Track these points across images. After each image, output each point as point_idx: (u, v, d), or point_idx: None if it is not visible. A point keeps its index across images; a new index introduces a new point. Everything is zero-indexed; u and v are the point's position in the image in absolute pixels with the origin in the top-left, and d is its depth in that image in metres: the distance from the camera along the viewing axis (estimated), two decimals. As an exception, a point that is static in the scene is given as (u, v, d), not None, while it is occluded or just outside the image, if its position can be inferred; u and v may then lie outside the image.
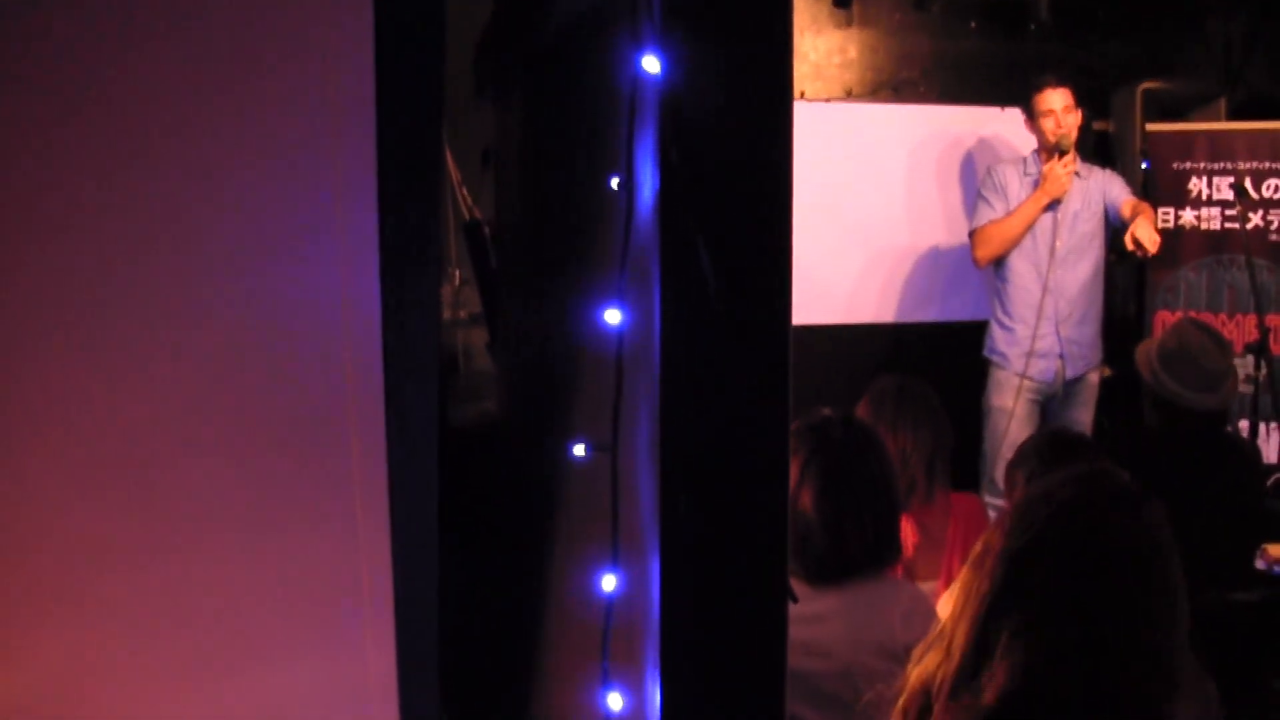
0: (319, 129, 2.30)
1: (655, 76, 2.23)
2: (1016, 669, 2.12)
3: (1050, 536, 2.17)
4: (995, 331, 6.47)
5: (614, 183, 2.35)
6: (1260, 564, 4.67)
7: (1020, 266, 6.32)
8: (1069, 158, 6.17)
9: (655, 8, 2.22)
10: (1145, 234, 6.07)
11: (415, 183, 2.40)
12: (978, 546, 2.26)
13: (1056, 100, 6.18)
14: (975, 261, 6.47)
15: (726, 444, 2.30)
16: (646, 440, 2.33)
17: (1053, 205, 6.19)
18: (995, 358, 6.44)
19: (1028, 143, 6.48)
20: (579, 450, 2.46)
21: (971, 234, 6.47)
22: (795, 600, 2.43)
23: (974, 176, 6.97)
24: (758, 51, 2.27)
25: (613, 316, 2.34)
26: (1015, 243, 6.28)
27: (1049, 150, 6.20)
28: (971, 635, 2.19)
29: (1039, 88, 6.23)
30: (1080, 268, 6.31)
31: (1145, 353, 4.88)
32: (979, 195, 6.47)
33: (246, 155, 2.29)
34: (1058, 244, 6.21)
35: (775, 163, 2.29)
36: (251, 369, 2.33)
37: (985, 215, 6.39)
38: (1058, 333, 6.29)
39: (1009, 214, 6.30)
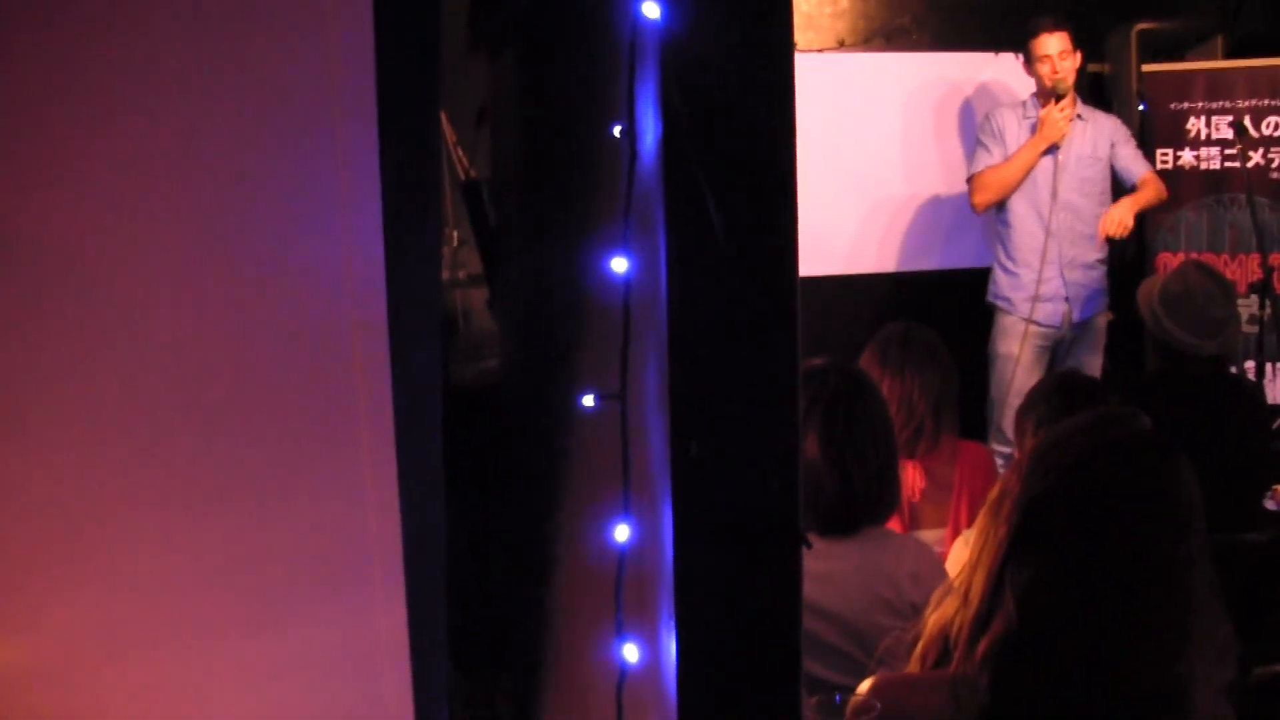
0: (320, 96, 2.29)
1: (655, 22, 2.21)
2: (1030, 613, 2.12)
3: (1067, 482, 2.17)
4: (999, 276, 6.46)
5: (615, 131, 2.33)
6: (1270, 504, 4.67)
7: (1022, 210, 6.31)
8: (1066, 102, 6.17)
9: (653, -48, 2.21)
10: (1116, 213, 6.12)
11: (414, 138, 2.39)
12: (994, 492, 2.26)
13: (1053, 44, 6.16)
14: (973, 207, 6.47)
15: (736, 389, 2.29)
16: (655, 389, 2.32)
17: (1051, 150, 6.18)
18: (1000, 303, 6.43)
19: (1025, 86, 6.47)
20: (588, 400, 2.45)
21: (969, 179, 6.47)
22: (809, 546, 2.42)
23: (971, 123, 6.96)
24: (757, -8, 2.26)
25: (619, 264, 2.32)
26: (1013, 188, 6.28)
27: (1046, 95, 6.20)
28: (989, 582, 2.19)
29: (1034, 32, 6.20)
30: (1084, 210, 6.31)
31: (1147, 295, 4.87)
32: (977, 141, 6.47)
33: (248, 124, 2.28)
34: (1059, 187, 6.20)
35: (778, 105, 2.27)
36: (258, 333, 2.32)
37: (983, 161, 6.38)
38: (1062, 275, 6.28)
39: (1007, 159, 6.28)
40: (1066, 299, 6.35)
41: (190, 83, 2.24)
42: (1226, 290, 4.95)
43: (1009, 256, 6.41)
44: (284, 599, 2.38)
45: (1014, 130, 6.38)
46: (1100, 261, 6.42)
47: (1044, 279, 6.26)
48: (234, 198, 2.28)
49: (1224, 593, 4.02)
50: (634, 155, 2.28)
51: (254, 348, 2.32)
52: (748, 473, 2.31)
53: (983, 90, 7.08)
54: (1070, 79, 6.20)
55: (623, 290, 2.32)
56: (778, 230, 2.28)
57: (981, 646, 2.19)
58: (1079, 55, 6.25)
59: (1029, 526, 2.17)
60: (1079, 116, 6.32)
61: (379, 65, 2.27)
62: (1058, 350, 6.46)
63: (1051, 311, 6.33)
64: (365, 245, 2.31)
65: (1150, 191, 6.44)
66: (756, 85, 2.26)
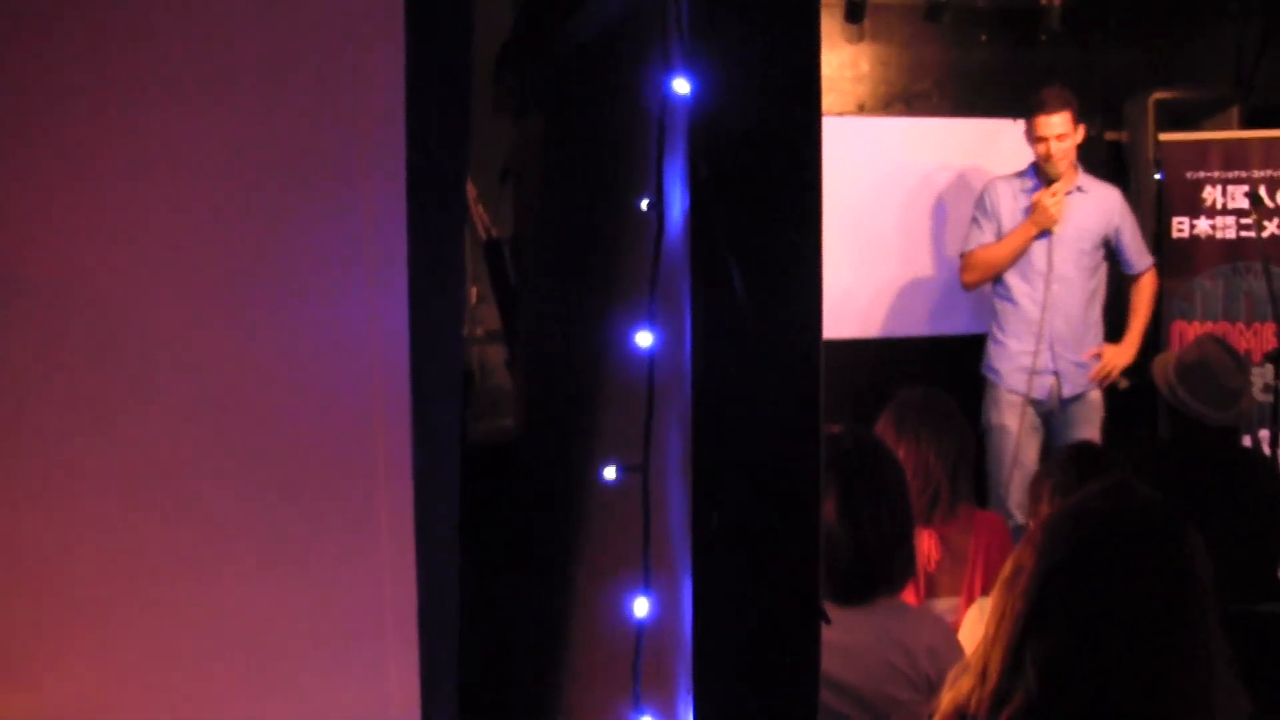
0: (349, 152, 2.30)
1: (684, 98, 2.23)
2: (1052, 684, 2.11)
3: (1082, 554, 2.17)
4: (991, 348, 6.46)
5: (644, 204, 2.34)
6: (1287, 574, 4.66)
7: (1015, 284, 6.30)
8: (1059, 185, 6.13)
9: (685, 26, 2.22)
10: (1113, 363, 6.34)
11: (441, 196, 2.40)
12: (1008, 566, 2.25)
13: (1051, 126, 6.12)
14: (963, 285, 6.51)
15: (759, 463, 2.30)
16: (677, 461, 2.32)
17: (1044, 234, 6.17)
18: (991, 375, 6.43)
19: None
20: (610, 472, 2.45)
21: (961, 256, 6.47)
22: (829, 621, 2.42)
23: (989, 189, 6.96)
24: (787, 71, 2.27)
25: (644, 339, 2.33)
26: (1002, 269, 6.28)
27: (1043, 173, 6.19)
28: (1007, 656, 2.18)
29: (1036, 109, 6.15)
30: (1077, 284, 6.30)
31: (1163, 366, 4.90)
32: (972, 216, 6.45)
33: (278, 180, 2.29)
34: (1054, 262, 6.18)
35: (805, 182, 2.29)
36: (280, 388, 2.33)
37: (975, 239, 6.38)
38: (1052, 350, 6.26)
39: (1000, 239, 6.29)
40: (1055, 373, 6.31)
41: (222, 142, 2.26)
42: (1240, 363, 4.96)
43: (1000, 328, 6.39)
44: (297, 657, 2.38)
45: (1009, 205, 6.34)
46: (1096, 337, 6.42)
47: (1034, 352, 6.25)
48: (262, 255, 2.29)
49: (1239, 665, 4.00)
50: (661, 229, 2.29)
51: (277, 404, 2.33)
52: (769, 546, 2.31)
53: (999, 156, 7.08)
54: (1068, 160, 6.16)
55: (648, 363, 2.33)
56: (803, 306, 2.29)
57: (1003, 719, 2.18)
58: (1081, 129, 6.21)
59: (1047, 599, 2.16)
60: (1079, 189, 6.29)
61: (409, 126, 2.29)
62: (1050, 423, 6.43)
63: (1039, 385, 6.29)
64: (390, 302, 2.32)
65: (1146, 310, 6.54)
66: (784, 161, 2.27)
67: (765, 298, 2.24)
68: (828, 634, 2.75)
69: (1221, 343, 5.07)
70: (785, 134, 2.28)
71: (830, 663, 2.80)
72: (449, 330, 2.47)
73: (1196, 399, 4.71)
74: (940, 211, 7.24)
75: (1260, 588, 4.45)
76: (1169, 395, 4.78)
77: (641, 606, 2.39)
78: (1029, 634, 2.16)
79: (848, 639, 3.08)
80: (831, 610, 2.96)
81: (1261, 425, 6.51)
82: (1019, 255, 6.22)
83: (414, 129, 2.29)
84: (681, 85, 2.21)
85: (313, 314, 2.32)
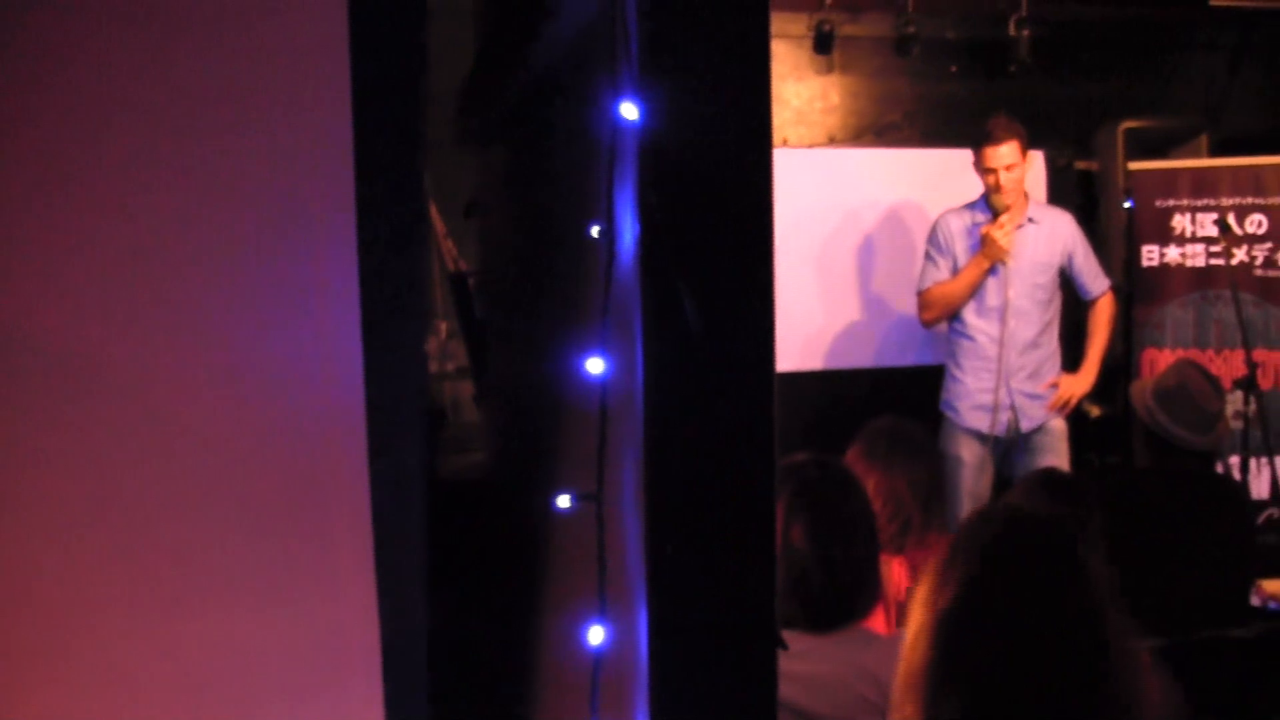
0: (298, 182, 2.30)
1: (634, 123, 2.22)
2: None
3: (979, 586, 2.18)
4: (948, 384, 6.41)
5: (594, 231, 2.33)
6: (1255, 600, 4.66)
7: (970, 319, 6.26)
8: (1006, 217, 6.07)
9: (633, 55, 2.22)
10: (1071, 390, 6.32)
11: (396, 233, 2.40)
12: (917, 603, 2.27)
13: (999, 157, 6.06)
14: (922, 323, 6.46)
15: (713, 490, 2.29)
16: (631, 489, 2.31)
17: (996, 268, 6.14)
18: (948, 411, 6.39)
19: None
20: (564, 501, 2.44)
21: (918, 295, 6.40)
22: (786, 648, 2.41)
23: (960, 219, 6.97)
24: (737, 96, 2.27)
25: (595, 366, 2.32)
26: (960, 304, 6.22)
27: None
28: (923, 683, 2.20)
29: (982, 141, 6.10)
30: (1032, 316, 6.25)
31: (1141, 390, 4.91)
32: (925, 253, 6.40)
33: (225, 210, 2.29)
34: (1010, 295, 6.14)
35: (756, 207, 2.28)
36: (234, 426, 2.32)
37: (930, 276, 6.32)
38: (1008, 385, 6.22)
39: (954, 275, 6.24)
40: (1012, 407, 6.27)
41: (171, 177, 2.25)
42: (1217, 387, 4.98)
43: (957, 364, 6.35)
44: (257, 701, 2.36)
45: (961, 239, 6.30)
46: (1053, 369, 6.37)
47: (989, 388, 6.22)
48: (212, 294, 2.28)
49: (1209, 688, 4.01)
50: (612, 256, 2.29)
51: (227, 442, 2.32)
52: (724, 573, 2.30)
53: (970, 187, 7.08)
54: (1017, 191, 6.11)
55: (600, 391, 2.32)
56: (755, 332, 2.28)
57: None
58: (1028, 160, 6.16)
59: (945, 643, 2.18)
60: (1030, 220, 6.24)
61: (358, 152, 2.28)
62: (1010, 456, 6.39)
63: (995, 421, 6.24)
64: (342, 335, 2.31)
65: (1103, 335, 6.51)
66: (735, 187, 2.26)
67: (717, 325, 2.23)
68: (796, 664, 2.74)
69: (1199, 367, 5.09)
70: (736, 161, 2.27)
71: (799, 693, 2.79)
72: (409, 369, 2.46)
73: (1176, 423, 4.72)
74: (910, 240, 7.23)
75: (1233, 613, 4.45)
76: (1147, 419, 4.79)
77: (597, 635, 2.38)
78: (935, 674, 2.17)
79: (817, 669, 3.08)
80: (801, 639, 2.97)
81: (1232, 452, 6.52)
82: (974, 290, 6.17)
83: (363, 164, 2.29)
84: (630, 111, 2.21)
85: (264, 354, 2.31)
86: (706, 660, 2.31)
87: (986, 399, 6.22)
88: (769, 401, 2.30)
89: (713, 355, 2.23)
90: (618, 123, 2.25)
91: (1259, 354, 6.61)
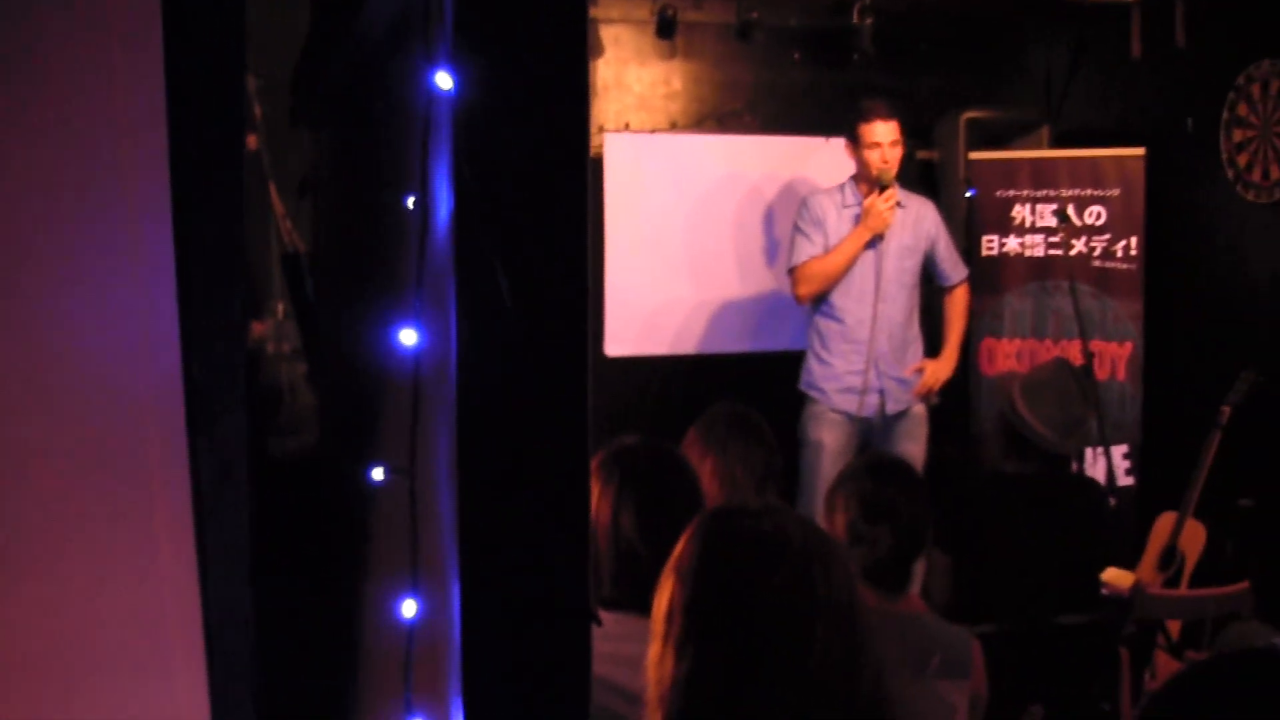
0: (111, 152, 2.25)
1: (449, 93, 2.21)
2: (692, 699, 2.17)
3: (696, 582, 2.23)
4: (812, 365, 6.42)
5: (410, 201, 2.32)
6: (1105, 590, 4.73)
7: (840, 301, 6.29)
8: (890, 192, 6.13)
9: (447, 23, 2.20)
10: (936, 376, 6.44)
11: (213, 204, 2.36)
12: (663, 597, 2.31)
13: (884, 133, 6.11)
14: (797, 299, 6.41)
15: (525, 465, 2.28)
16: (446, 463, 2.30)
17: (874, 241, 6.18)
18: (812, 392, 6.40)
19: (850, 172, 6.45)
20: (378, 474, 2.42)
21: (791, 271, 6.39)
22: (599, 624, 2.41)
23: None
24: (553, 68, 2.26)
25: (408, 337, 2.31)
26: (838, 279, 6.23)
27: (870, 182, 6.18)
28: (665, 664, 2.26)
29: (866, 117, 6.13)
30: (900, 301, 6.32)
31: (1009, 384, 4.95)
32: (796, 229, 6.39)
33: (33, 175, 2.23)
34: (881, 278, 6.21)
35: (571, 180, 2.27)
36: (44, 397, 2.27)
37: (805, 251, 6.31)
38: (877, 367, 6.27)
39: (829, 249, 6.25)
40: (880, 391, 6.32)
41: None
42: (1088, 393, 5.05)
43: (824, 346, 6.37)
44: (78, 680, 2.32)
45: (833, 217, 6.32)
46: (917, 352, 6.46)
47: (858, 371, 6.27)
48: (25, 257, 2.23)
49: (1042, 672, 4.07)
50: (425, 226, 2.27)
51: (39, 412, 2.27)
52: (536, 550, 2.29)
53: (810, 175, 7.14)
54: (894, 169, 6.16)
55: (413, 363, 2.31)
56: (568, 306, 2.28)
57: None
58: (904, 144, 6.24)
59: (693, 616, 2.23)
60: (899, 204, 6.27)
61: (171, 122, 2.24)
62: (870, 439, 6.42)
63: (863, 403, 6.28)
64: (158, 310, 2.27)
65: (962, 323, 6.63)
66: (549, 159, 2.26)
67: (530, 298, 2.23)
68: (625, 646, 2.74)
69: (1073, 369, 5.15)
70: (552, 134, 2.26)
71: (626, 675, 2.79)
72: (231, 339, 2.43)
73: (1039, 421, 4.76)
74: (754, 228, 7.29)
75: (1081, 603, 4.51)
76: (1010, 414, 4.83)
77: (409, 609, 2.36)
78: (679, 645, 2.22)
79: (639, 649, 3.08)
80: (629, 621, 2.96)
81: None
82: (852, 264, 6.19)
83: (179, 122, 2.25)
84: (444, 80, 2.19)
85: (78, 323, 2.26)
86: (519, 635, 2.30)
87: (855, 381, 6.26)
88: (582, 377, 2.29)
89: (525, 329, 2.22)
90: (433, 92, 2.23)
91: (1095, 344, 6.72)
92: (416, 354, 2.31)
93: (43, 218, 2.24)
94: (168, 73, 2.24)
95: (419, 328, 2.31)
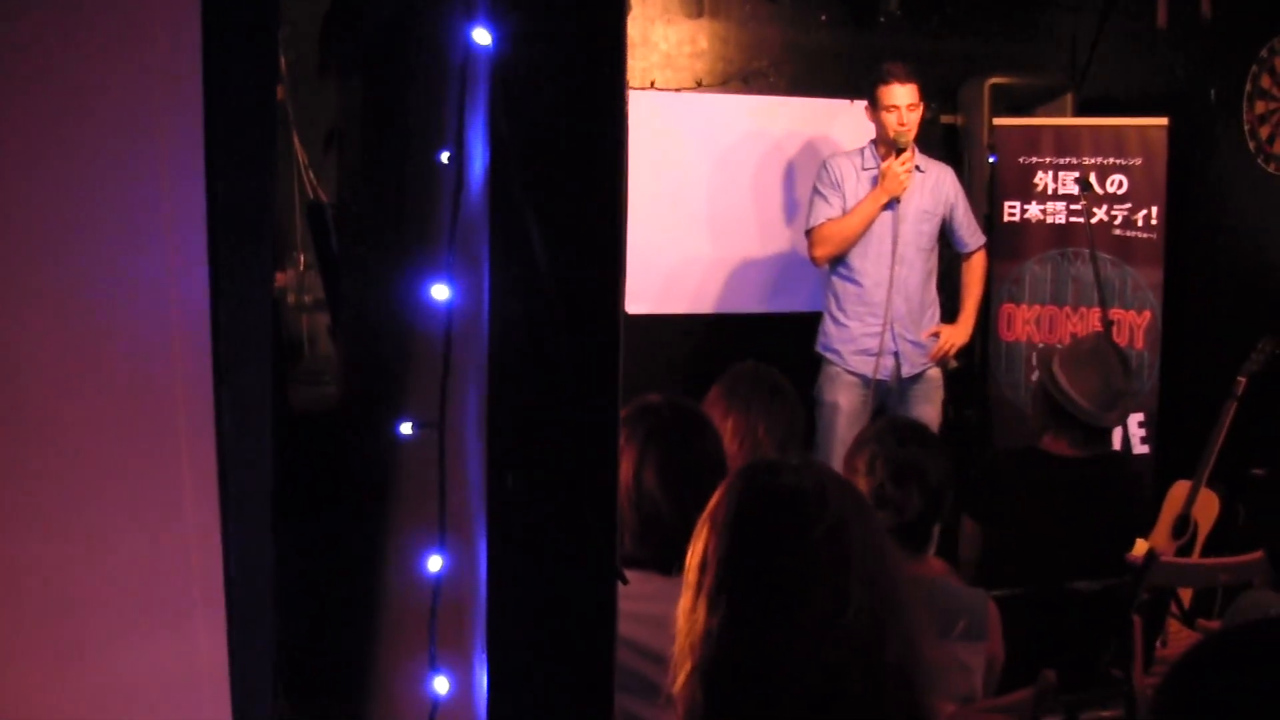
0: (145, 104, 2.25)
1: (487, 49, 2.20)
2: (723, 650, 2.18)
3: (729, 533, 2.25)
4: (829, 327, 6.46)
5: (444, 157, 2.32)
6: (1130, 558, 4.73)
7: (857, 264, 6.31)
8: (907, 155, 6.15)
9: (486, -25, 2.20)
10: (951, 340, 6.46)
11: (245, 158, 2.36)
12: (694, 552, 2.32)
13: (902, 96, 6.13)
14: (814, 260, 6.45)
15: (555, 422, 2.28)
16: (475, 419, 2.30)
17: (891, 204, 6.20)
18: (829, 354, 6.44)
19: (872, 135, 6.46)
20: (406, 429, 2.43)
21: (809, 232, 6.42)
22: (625, 582, 2.42)
23: (822, 168, 7.00)
24: (591, 25, 2.26)
25: (440, 292, 2.31)
26: (854, 241, 6.27)
27: (888, 144, 6.19)
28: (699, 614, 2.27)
29: (885, 80, 6.16)
30: (917, 264, 6.34)
31: (1047, 357, 4.94)
32: (815, 191, 6.42)
33: (68, 130, 2.23)
34: (898, 242, 6.22)
35: (607, 138, 2.27)
36: (75, 347, 2.27)
37: (823, 213, 6.34)
38: (893, 330, 6.29)
39: (847, 212, 6.28)
40: (895, 354, 6.35)
41: (12, 93, 2.19)
42: (1128, 367, 5.04)
43: (840, 308, 6.40)
44: (99, 626, 2.33)
45: (852, 180, 6.35)
46: (934, 315, 6.49)
47: (875, 333, 6.28)
48: (53, 206, 2.23)
49: (1052, 638, 4.08)
50: (460, 182, 2.27)
51: (70, 362, 2.27)
52: (564, 505, 2.30)
53: (834, 137, 7.12)
54: (913, 132, 6.18)
55: (444, 318, 2.31)
56: (603, 263, 2.28)
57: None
58: (924, 107, 6.26)
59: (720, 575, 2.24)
60: (918, 168, 6.31)
61: (207, 76, 2.24)
62: (886, 402, 6.44)
63: (880, 366, 6.30)
64: (189, 260, 2.27)
65: (978, 289, 6.66)
66: (585, 116, 2.25)
67: (564, 256, 2.23)
68: (646, 606, 2.75)
69: (1114, 344, 5.14)
70: (589, 91, 2.26)
71: (648, 634, 2.80)
72: (259, 289, 2.43)
73: (1079, 393, 4.74)
74: (776, 188, 7.28)
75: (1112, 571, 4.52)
76: (1050, 385, 4.81)
77: (436, 564, 2.37)
78: (713, 596, 2.24)
79: (667, 611, 3.09)
80: (652, 580, 2.97)
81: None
82: (868, 226, 6.22)
83: (214, 76, 2.25)
84: (482, 36, 2.19)
85: (110, 275, 2.26)
86: (545, 592, 2.31)
87: (872, 343, 6.28)
88: (615, 334, 2.30)
89: (559, 286, 2.22)
90: (470, 48, 2.23)
91: (1114, 313, 6.73)
92: (448, 309, 2.31)
93: (79, 170, 2.24)
94: (204, 27, 2.24)
95: (451, 283, 2.31)
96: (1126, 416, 5.94)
